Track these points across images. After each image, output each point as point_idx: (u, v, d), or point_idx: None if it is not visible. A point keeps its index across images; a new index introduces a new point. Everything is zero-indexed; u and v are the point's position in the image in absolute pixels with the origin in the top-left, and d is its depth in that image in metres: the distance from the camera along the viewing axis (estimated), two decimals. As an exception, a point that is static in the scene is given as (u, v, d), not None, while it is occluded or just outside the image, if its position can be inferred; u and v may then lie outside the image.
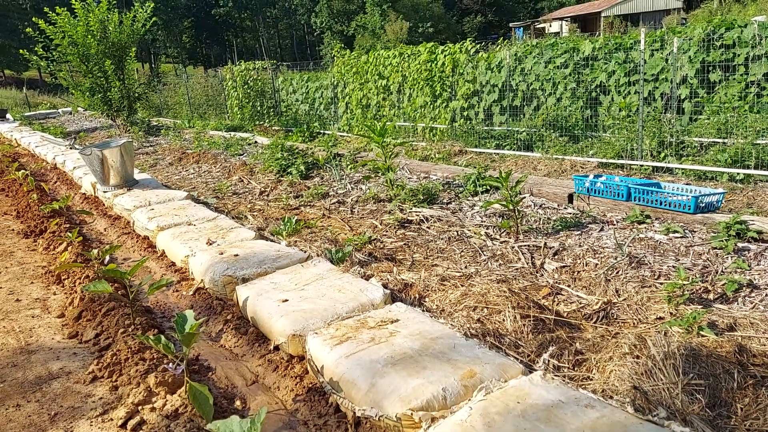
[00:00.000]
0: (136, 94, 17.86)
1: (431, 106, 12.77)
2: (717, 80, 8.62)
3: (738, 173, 7.41)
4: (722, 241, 4.85)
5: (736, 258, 4.58)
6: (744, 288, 4.10)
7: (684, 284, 3.92)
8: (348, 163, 9.65)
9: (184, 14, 77.45)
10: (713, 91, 8.69)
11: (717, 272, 4.40)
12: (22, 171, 10.32)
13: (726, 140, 7.99)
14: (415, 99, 13.18)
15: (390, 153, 7.90)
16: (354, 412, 2.84)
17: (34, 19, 15.54)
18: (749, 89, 8.26)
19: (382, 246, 5.66)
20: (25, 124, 23.02)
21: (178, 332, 3.10)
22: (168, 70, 58.62)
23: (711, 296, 4.05)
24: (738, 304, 3.95)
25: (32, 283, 5.25)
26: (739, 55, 8.38)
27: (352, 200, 7.60)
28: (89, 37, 15.76)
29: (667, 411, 2.67)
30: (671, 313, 3.82)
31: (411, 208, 6.81)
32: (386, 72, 14.04)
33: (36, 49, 16.16)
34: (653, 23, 40.23)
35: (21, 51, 16.73)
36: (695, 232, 5.28)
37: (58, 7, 15.64)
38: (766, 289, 4.08)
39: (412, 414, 2.61)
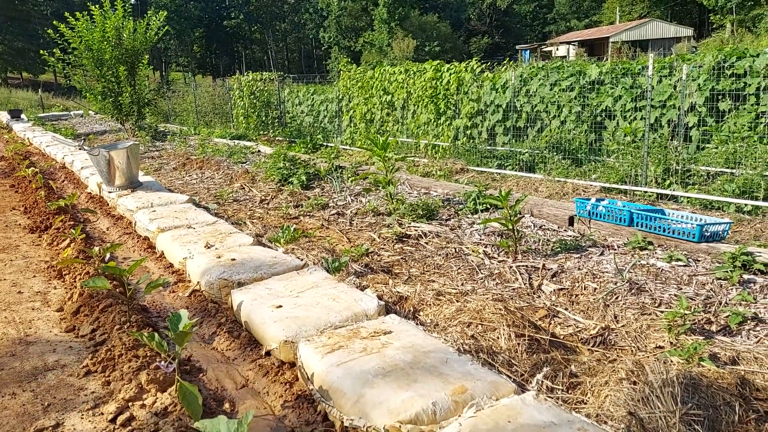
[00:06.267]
0: (146, 100, 18.06)
1: (435, 123, 12.79)
2: (726, 109, 8.56)
3: (746, 204, 7.31)
4: (727, 271, 4.75)
5: (741, 290, 4.48)
6: (748, 321, 4.00)
7: (686, 314, 3.82)
8: (349, 175, 9.65)
9: (195, 24, 78.43)
10: (722, 120, 8.63)
11: (721, 303, 4.31)
12: (32, 169, 10.58)
13: (734, 170, 7.91)
14: (419, 116, 13.21)
15: (391, 167, 7.89)
16: (342, 422, 2.80)
17: (54, 22, 15.83)
18: (760, 120, 8.19)
19: (379, 259, 5.63)
20: (38, 124, 23.50)
21: (171, 330, 3.12)
22: (178, 78, 59.17)
23: (713, 328, 3.97)
24: (741, 337, 3.85)
25: (35, 276, 5.35)
26: (750, 85, 8.32)
27: (351, 212, 7.58)
28: (104, 42, 16.02)
29: (662, 438, 2.63)
30: (671, 343, 3.74)
31: (410, 223, 6.79)
32: (391, 88, 14.08)
33: (54, 51, 16.40)
34: (662, 50, 40.50)
35: (42, 51, 16.95)
36: (699, 261, 5.22)
37: (78, 13, 15.87)
38: (771, 323, 4.00)
39: (400, 427, 2.57)
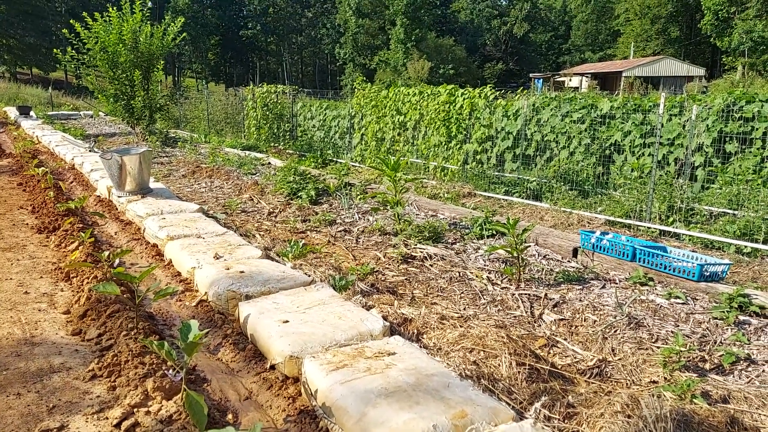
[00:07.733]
0: (158, 105, 18.14)
1: (445, 146, 12.91)
2: (733, 151, 8.67)
3: (745, 246, 7.38)
4: (724, 312, 4.85)
5: (736, 331, 4.58)
6: (741, 361, 4.11)
7: (681, 351, 3.91)
8: (358, 193, 9.75)
9: (212, 32, 79.18)
10: (728, 162, 8.74)
11: (715, 342, 4.41)
12: (42, 168, 10.54)
13: (736, 212, 8.01)
14: (429, 138, 13.32)
15: (401, 188, 7.98)
16: (343, 439, 2.86)
17: (71, 21, 15.96)
18: (765, 164, 8.28)
19: (384, 278, 5.71)
20: (47, 122, 23.44)
21: (181, 340, 3.16)
22: (191, 85, 59.53)
23: (707, 366, 4.06)
24: (734, 376, 3.95)
25: (41, 277, 5.35)
26: (757, 129, 8.42)
27: (358, 230, 7.67)
28: (120, 45, 16.14)
29: (653, 472, 2.69)
30: (665, 378, 3.83)
31: (416, 245, 6.88)
32: (404, 108, 14.21)
33: (67, 49, 16.52)
34: (674, 88, 40.81)
35: (54, 50, 17.07)
36: (697, 299, 5.30)
37: (96, 13, 16.02)
38: (763, 365, 4.09)
39: (401, 447, 2.64)
